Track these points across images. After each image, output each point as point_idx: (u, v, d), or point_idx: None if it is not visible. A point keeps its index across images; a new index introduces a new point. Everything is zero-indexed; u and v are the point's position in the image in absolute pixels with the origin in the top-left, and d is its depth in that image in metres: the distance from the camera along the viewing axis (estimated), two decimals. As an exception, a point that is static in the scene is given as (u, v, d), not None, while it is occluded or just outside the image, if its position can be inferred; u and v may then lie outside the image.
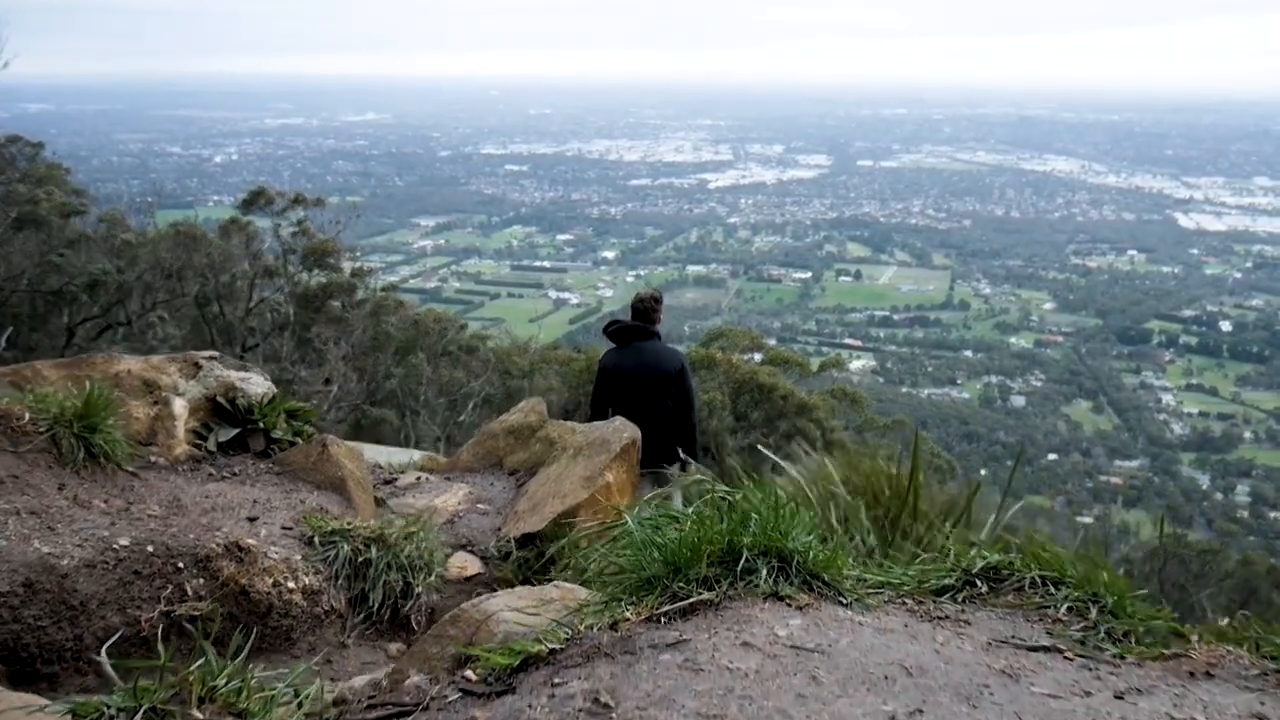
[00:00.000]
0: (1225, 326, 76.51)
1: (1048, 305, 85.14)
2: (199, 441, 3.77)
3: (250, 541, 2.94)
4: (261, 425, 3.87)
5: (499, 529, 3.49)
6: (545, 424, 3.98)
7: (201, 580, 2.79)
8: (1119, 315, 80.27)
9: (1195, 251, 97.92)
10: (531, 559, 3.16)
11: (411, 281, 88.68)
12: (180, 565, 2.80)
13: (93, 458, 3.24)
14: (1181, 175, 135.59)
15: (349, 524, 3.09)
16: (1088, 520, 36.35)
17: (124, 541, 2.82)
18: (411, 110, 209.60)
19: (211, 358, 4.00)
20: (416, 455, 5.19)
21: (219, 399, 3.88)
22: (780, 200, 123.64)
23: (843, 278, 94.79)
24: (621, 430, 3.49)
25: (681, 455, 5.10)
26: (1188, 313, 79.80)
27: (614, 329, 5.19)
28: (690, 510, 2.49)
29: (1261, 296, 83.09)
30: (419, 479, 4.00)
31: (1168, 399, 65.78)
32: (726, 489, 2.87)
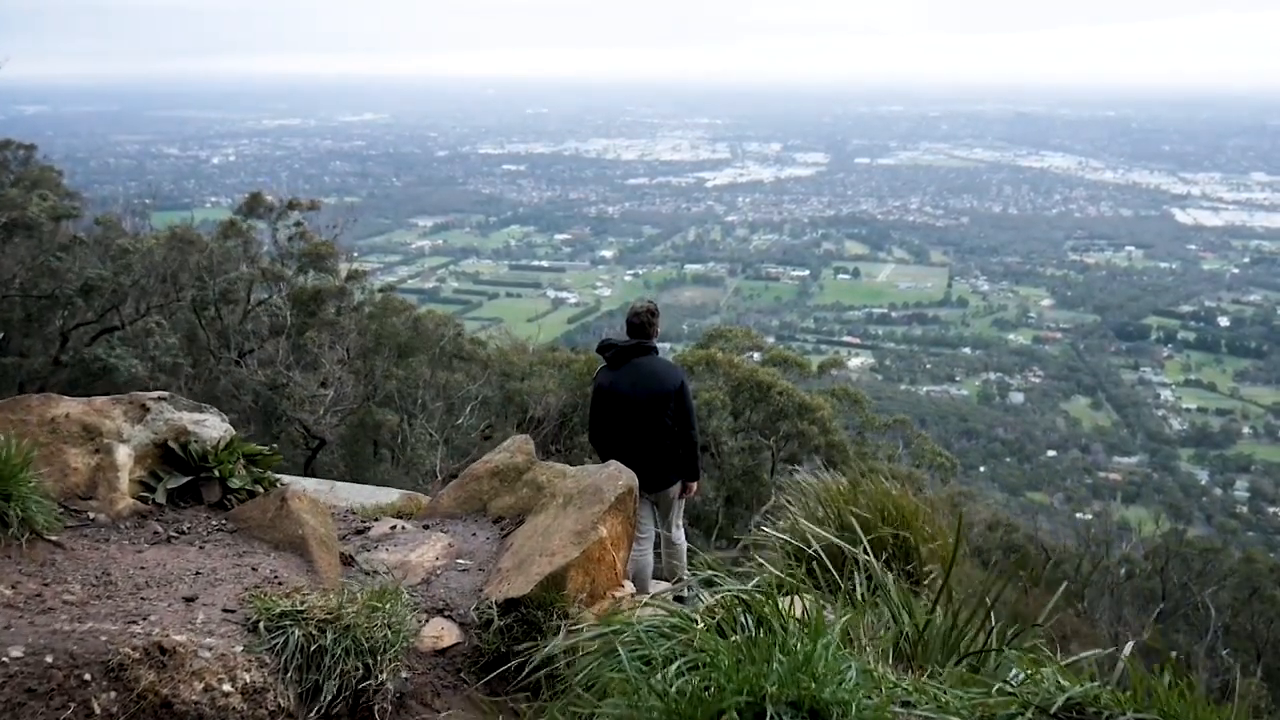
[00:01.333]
0: (1223, 322, 76.56)
1: (1046, 302, 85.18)
2: (146, 493, 3.36)
3: (178, 638, 2.46)
4: (217, 473, 3.48)
5: (481, 589, 3.14)
6: (533, 465, 3.73)
7: (113, 694, 2.30)
8: (1117, 311, 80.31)
9: (1193, 247, 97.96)
10: (515, 627, 2.88)
11: (410, 282, 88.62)
12: (87, 677, 2.31)
13: (4, 527, 2.79)
14: (1179, 171, 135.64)
15: (302, 603, 2.68)
16: (1086, 517, 36.37)
17: (16, 652, 2.32)
18: (409, 110, 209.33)
19: (161, 398, 3.60)
20: (395, 496, 4.78)
21: (170, 444, 3.46)
22: (778, 198, 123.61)
23: (841, 275, 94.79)
24: (616, 477, 3.25)
25: (683, 475, 5.00)
26: (1186, 308, 79.84)
27: (609, 351, 4.94)
28: (699, 629, 2.12)
29: (1259, 292, 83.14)
30: (394, 528, 3.67)
31: (1166, 395, 65.83)
32: (746, 593, 2.47)
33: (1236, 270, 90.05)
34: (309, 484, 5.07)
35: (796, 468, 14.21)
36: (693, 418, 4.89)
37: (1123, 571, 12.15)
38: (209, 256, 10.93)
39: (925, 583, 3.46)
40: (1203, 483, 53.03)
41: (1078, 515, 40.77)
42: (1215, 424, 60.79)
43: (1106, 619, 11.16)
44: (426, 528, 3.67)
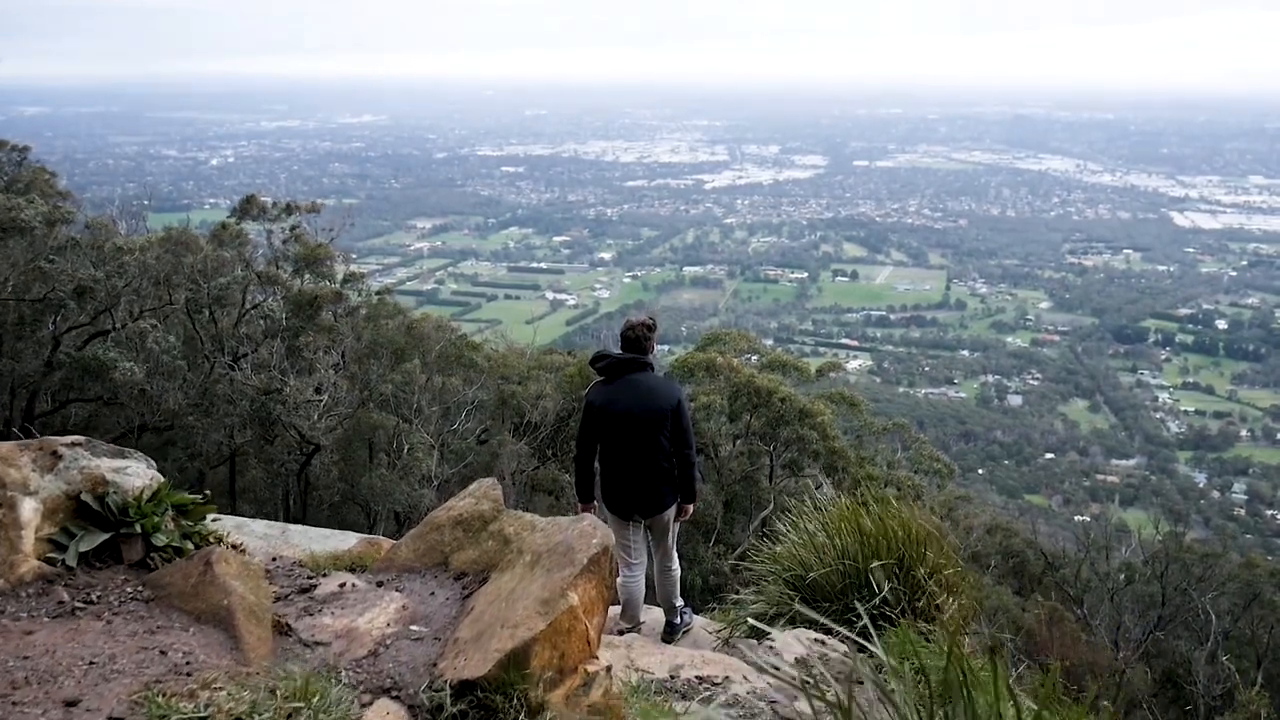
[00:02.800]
0: (1221, 324, 76.61)
1: (1044, 304, 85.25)
2: (56, 554, 2.92)
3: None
4: (139, 528, 3.05)
5: (436, 663, 2.71)
6: (500, 514, 3.38)
7: None
8: (1115, 314, 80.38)
9: (1191, 250, 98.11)
10: (471, 714, 2.48)
11: (408, 283, 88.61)
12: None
13: None
14: (1177, 174, 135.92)
15: (208, 704, 2.22)
16: (1085, 519, 36.34)
17: None
18: (408, 112, 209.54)
19: (75, 443, 3.18)
20: (352, 541, 4.23)
21: (84, 496, 3.03)
22: (776, 200, 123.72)
23: (839, 278, 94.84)
24: (589, 535, 2.92)
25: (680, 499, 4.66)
26: (1183, 311, 79.91)
27: (603, 364, 4.66)
28: None
29: (1257, 294, 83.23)
30: (345, 585, 3.27)
31: (1164, 397, 65.87)
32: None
33: (1234, 273, 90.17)
34: (258, 528, 4.48)
35: (797, 475, 14.11)
36: (690, 437, 4.62)
37: (1122, 577, 12.10)
38: (203, 259, 10.86)
39: (937, 618, 3.27)
40: (1201, 485, 53.04)
41: (1076, 518, 40.76)
42: (1213, 426, 60.79)
43: (1106, 625, 11.09)
44: (381, 584, 3.29)
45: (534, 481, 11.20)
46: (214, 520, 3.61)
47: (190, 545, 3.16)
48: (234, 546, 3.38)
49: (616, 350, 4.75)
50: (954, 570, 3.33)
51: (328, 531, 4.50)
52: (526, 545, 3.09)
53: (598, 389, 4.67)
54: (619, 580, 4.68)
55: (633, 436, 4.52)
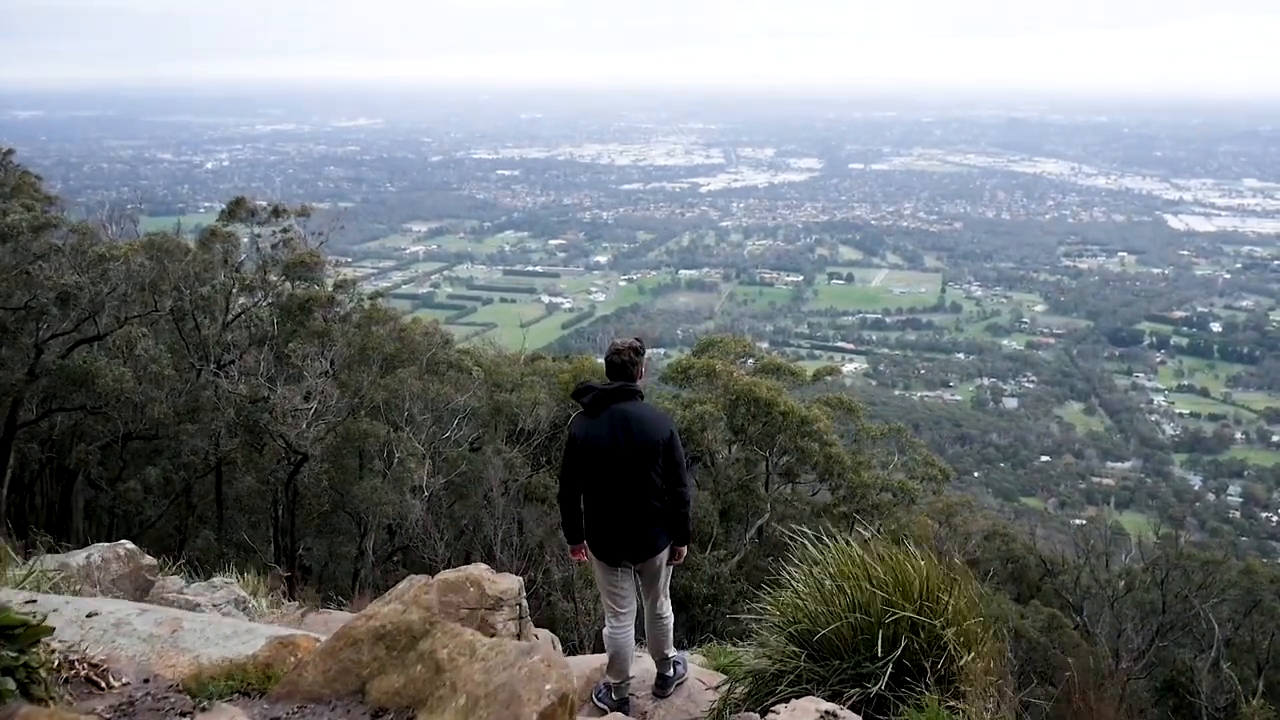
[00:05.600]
0: (1215, 327, 76.78)
1: (1039, 307, 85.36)
2: None
3: None
4: None
5: None
6: (432, 629, 2.69)
7: None
8: (1110, 316, 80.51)
9: (1185, 253, 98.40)
10: None
11: (404, 287, 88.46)
12: None
13: None
14: (1171, 177, 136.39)
15: None
16: (1080, 522, 36.28)
17: None
18: (403, 115, 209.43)
19: None
20: (260, 643, 3.27)
21: None
22: (772, 203, 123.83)
23: (835, 280, 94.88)
24: (540, 678, 2.30)
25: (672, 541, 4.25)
26: (1178, 314, 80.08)
27: (587, 397, 4.15)
28: None
29: (1251, 297, 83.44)
30: None
31: (1159, 400, 65.95)
32: None
33: (1229, 275, 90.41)
34: (144, 626, 3.37)
35: (794, 482, 13.93)
36: (684, 472, 4.18)
37: (1122, 584, 11.99)
38: (188, 265, 10.67)
39: (960, 678, 2.90)
40: (1196, 488, 53.05)
41: (1072, 520, 40.67)
42: (1208, 429, 60.86)
43: (1107, 634, 10.97)
44: (277, 720, 2.49)
45: (527, 490, 11.05)
46: (90, 616, 2.95)
47: (11, 684, 2.37)
48: (94, 666, 2.68)
49: (599, 382, 4.28)
50: (976, 622, 3.04)
51: (232, 625, 3.60)
52: (462, 680, 2.45)
53: (580, 420, 4.17)
54: (605, 631, 4.30)
55: (620, 473, 4.08)
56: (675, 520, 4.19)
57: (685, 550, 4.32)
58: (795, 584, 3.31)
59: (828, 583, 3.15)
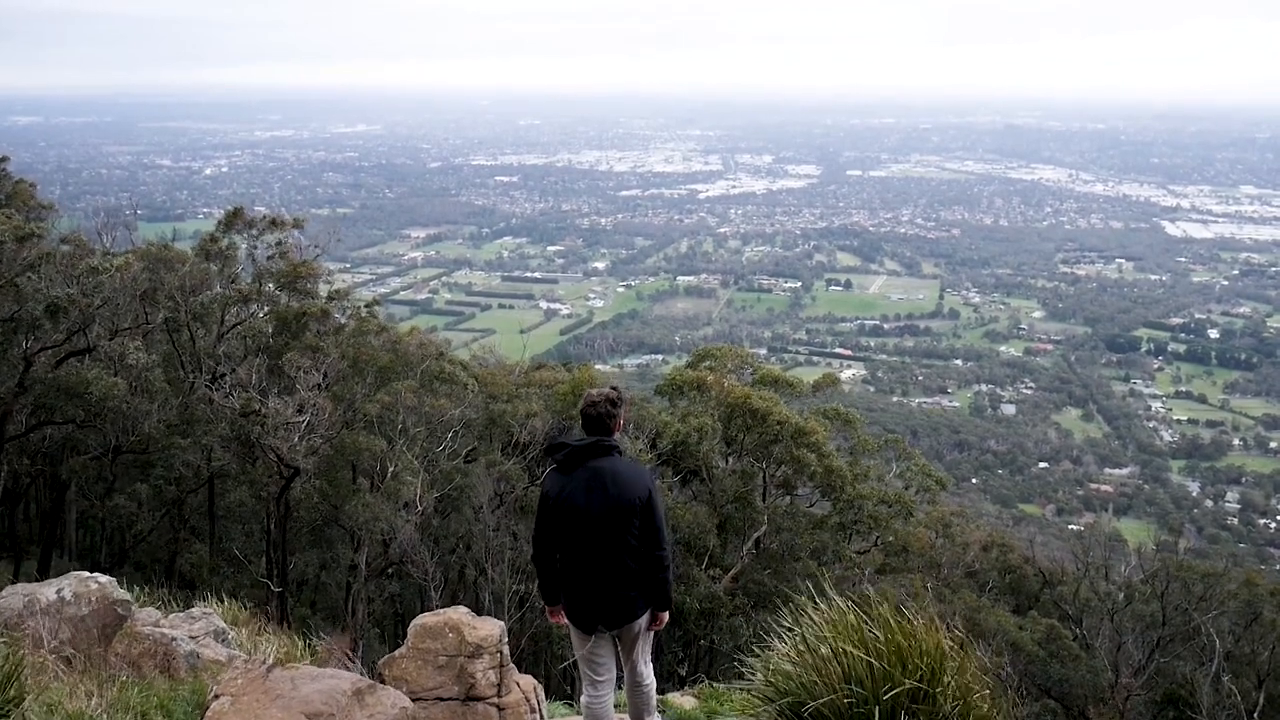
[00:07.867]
0: (1213, 334, 76.88)
1: (1037, 313, 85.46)
2: None
3: None
4: None
5: None
6: None
7: None
8: (1108, 323, 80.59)
9: (1183, 259, 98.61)
10: None
11: (402, 293, 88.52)
12: None
13: None
14: (1168, 183, 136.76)
15: None
16: (1078, 528, 36.19)
17: None
18: (401, 121, 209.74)
19: None
20: None
21: None
22: (770, 210, 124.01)
23: (833, 287, 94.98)
24: None
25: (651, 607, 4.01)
26: (1176, 320, 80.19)
27: (560, 454, 3.91)
28: None
29: (1249, 303, 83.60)
30: None
31: (1157, 406, 65.97)
32: None
33: (1226, 282, 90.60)
34: None
35: (791, 494, 13.80)
36: (663, 535, 3.89)
37: (1121, 596, 11.92)
38: (183, 276, 10.60)
39: None
40: (1194, 494, 53.04)
41: (1070, 527, 40.60)
42: (1206, 435, 60.86)
43: (1106, 647, 10.90)
44: None
45: (522, 503, 10.97)
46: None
47: None
48: None
49: (573, 437, 4.02)
50: (982, 694, 2.83)
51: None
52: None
53: (554, 478, 3.91)
54: (583, 700, 4.10)
55: (594, 535, 3.81)
56: (654, 585, 3.93)
57: (666, 616, 4.07)
58: (785, 649, 3.09)
59: (822, 649, 2.91)
